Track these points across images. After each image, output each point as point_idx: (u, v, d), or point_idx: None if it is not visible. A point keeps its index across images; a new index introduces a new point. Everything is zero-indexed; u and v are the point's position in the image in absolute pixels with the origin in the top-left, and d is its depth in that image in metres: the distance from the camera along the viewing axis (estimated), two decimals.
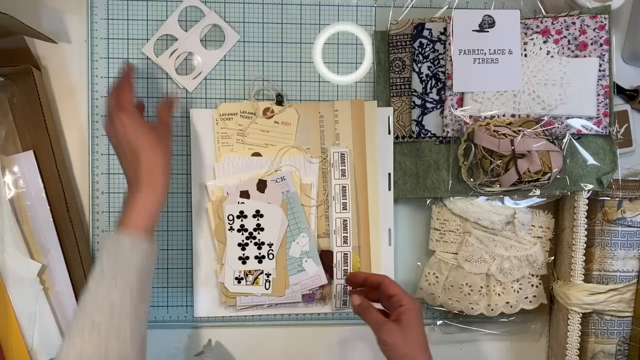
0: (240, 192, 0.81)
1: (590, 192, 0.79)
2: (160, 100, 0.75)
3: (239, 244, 0.78)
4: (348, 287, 0.79)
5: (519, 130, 0.76)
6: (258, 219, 0.79)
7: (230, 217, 0.77)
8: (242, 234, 0.79)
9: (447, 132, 0.80)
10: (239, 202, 0.78)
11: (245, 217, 0.78)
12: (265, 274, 0.81)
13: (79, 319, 0.60)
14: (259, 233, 0.79)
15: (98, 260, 0.63)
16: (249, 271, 0.81)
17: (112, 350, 0.59)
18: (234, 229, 0.77)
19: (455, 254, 0.82)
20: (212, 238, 0.82)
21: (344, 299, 0.82)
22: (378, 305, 0.73)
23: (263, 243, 0.80)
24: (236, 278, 0.80)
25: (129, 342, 0.60)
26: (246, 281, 0.81)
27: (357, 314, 0.72)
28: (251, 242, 0.79)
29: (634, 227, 0.78)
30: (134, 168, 0.68)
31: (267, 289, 0.81)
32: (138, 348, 0.61)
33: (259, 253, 0.80)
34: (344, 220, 0.81)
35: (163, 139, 0.71)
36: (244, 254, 0.79)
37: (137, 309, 0.62)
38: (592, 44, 0.79)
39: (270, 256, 0.80)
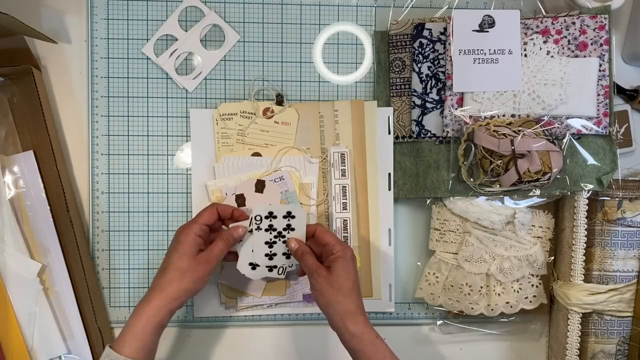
0: (236, 196, 0.80)
1: (590, 192, 0.79)
2: (229, 228, 0.74)
3: (266, 242, 0.75)
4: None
5: (519, 130, 0.76)
6: (289, 219, 0.75)
7: (258, 218, 0.75)
8: (271, 233, 0.75)
9: (447, 132, 0.80)
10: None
11: (275, 217, 0.74)
12: (288, 266, 0.78)
13: None
14: (288, 232, 0.76)
15: None
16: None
17: None
18: (261, 229, 0.75)
19: (455, 254, 0.82)
20: None
21: None
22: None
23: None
24: (250, 263, 0.76)
25: None
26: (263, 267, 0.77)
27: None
28: (279, 240, 0.75)
29: (634, 227, 0.78)
30: (154, 280, 0.69)
31: (280, 274, 0.77)
32: None
33: (287, 250, 0.76)
34: (344, 220, 0.81)
35: (194, 274, 0.69)
36: (270, 251, 0.76)
37: None
38: (592, 44, 0.79)
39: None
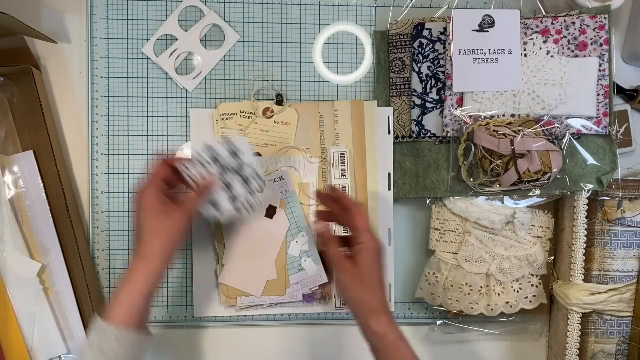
0: None
1: (590, 192, 0.79)
2: (200, 184, 0.71)
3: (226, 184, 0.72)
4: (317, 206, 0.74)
5: (519, 130, 0.76)
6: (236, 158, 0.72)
7: (204, 161, 0.71)
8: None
9: (447, 132, 0.80)
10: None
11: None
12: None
13: None
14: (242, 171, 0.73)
15: (83, 352, 0.62)
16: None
17: None
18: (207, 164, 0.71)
19: (455, 254, 0.82)
20: (212, 238, 0.82)
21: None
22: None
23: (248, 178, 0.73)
24: (210, 202, 0.72)
25: None
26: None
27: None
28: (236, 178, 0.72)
29: (634, 227, 0.78)
30: (135, 249, 0.67)
31: (246, 208, 0.74)
32: None
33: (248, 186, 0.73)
34: None
35: (171, 229, 0.67)
36: (227, 182, 0.72)
37: None
38: (592, 44, 0.79)
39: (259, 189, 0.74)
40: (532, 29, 0.80)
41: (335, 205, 0.73)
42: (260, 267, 0.81)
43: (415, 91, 0.81)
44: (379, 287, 0.67)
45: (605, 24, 0.79)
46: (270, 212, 0.80)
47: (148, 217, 0.67)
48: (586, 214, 0.78)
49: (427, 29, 0.81)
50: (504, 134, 0.77)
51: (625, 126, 0.84)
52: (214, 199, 0.72)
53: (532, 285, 0.83)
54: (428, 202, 0.83)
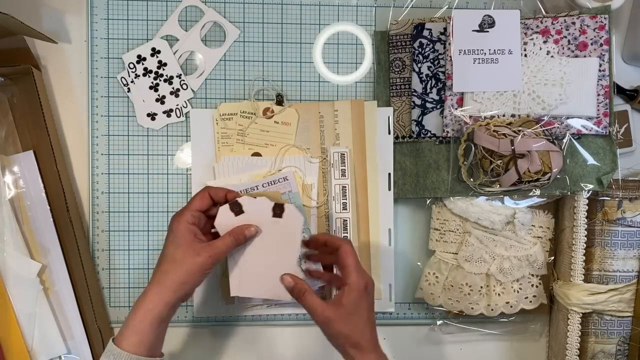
0: (231, 204, 0.77)
1: (590, 192, 0.79)
2: (235, 229, 0.70)
3: (150, 87, 0.76)
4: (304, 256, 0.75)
5: (519, 130, 0.76)
6: (157, 56, 0.76)
7: (131, 65, 0.74)
8: (149, 76, 0.76)
9: (447, 132, 0.80)
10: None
11: (145, 59, 0.75)
12: (182, 106, 0.80)
13: None
14: (162, 69, 0.77)
15: None
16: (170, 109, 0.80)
17: None
18: (139, 75, 0.75)
19: (455, 254, 0.82)
20: None
21: None
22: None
23: (172, 77, 0.77)
24: (148, 114, 0.77)
25: None
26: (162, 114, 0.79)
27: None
28: (160, 80, 0.76)
29: (634, 227, 0.78)
30: (153, 273, 0.66)
31: (178, 117, 0.80)
32: None
33: (173, 87, 0.78)
34: (344, 220, 0.81)
35: (190, 265, 0.65)
36: (159, 95, 0.76)
37: None
38: (592, 44, 0.79)
39: (184, 86, 0.79)
40: (532, 29, 0.80)
41: (324, 246, 0.73)
42: (280, 270, 0.74)
43: (415, 91, 0.81)
44: (365, 325, 0.66)
45: (605, 24, 0.79)
46: (277, 210, 0.73)
47: (174, 245, 0.66)
48: (586, 214, 0.78)
49: (427, 29, 0.81)
50: (504, 134, 0.77)
51: (625, 126, 0.84)
52: (149, 108, 0.76)
53: (532, 285, 0.83)
54: (428, 202, 0.83)
